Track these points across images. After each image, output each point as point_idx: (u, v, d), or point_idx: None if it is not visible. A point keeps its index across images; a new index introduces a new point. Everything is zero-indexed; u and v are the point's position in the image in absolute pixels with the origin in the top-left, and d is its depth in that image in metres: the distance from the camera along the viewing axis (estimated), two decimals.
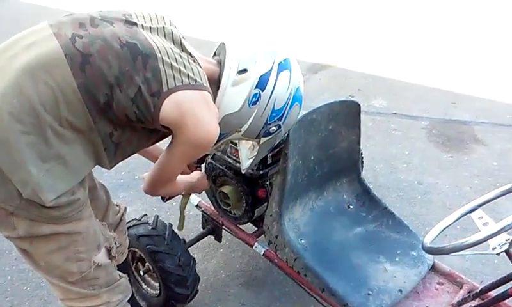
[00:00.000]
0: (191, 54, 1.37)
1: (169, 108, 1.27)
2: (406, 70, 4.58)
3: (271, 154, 1.85)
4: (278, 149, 1.87)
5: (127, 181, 2.97)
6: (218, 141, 1.48)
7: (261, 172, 1.85)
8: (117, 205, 1.75)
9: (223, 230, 2.12)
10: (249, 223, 2.07)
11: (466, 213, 1.54)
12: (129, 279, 1.63)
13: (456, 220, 1.53)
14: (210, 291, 2.22)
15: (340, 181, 2.04)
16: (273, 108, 1.49)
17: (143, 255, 1.95)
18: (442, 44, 5.17)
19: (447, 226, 1.51)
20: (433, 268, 1.84)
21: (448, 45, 5.13)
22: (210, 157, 1.99)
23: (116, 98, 1.24)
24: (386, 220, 1.97)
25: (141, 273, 2.03)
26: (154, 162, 1.57)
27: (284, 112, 1.52)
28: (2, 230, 1.30)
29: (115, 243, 1.51)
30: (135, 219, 1.97)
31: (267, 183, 1.93)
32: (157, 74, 1.25)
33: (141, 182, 2.92)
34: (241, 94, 1.45)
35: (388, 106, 3.96)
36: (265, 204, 1.96)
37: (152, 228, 1.88)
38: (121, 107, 1.25)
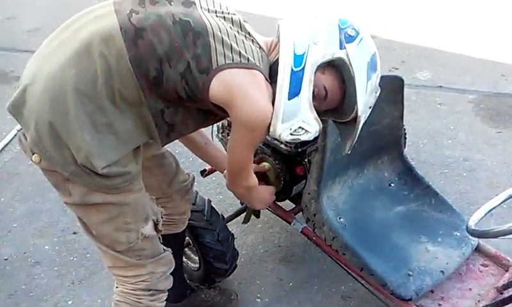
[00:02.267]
0: (249, 34, 1.35)
1: (218, 86, 1.27)
2: (452, 41, 4.37)
3: None
4: None
5: None
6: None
7: (299, 149, 1.83)
8: (186, 174, 1.78)
9: None
10: (287, 200, 2.06)
11: None
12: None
13: (502, 202, 1.46)
14: (248, 266, 2.25)
15: (382, 158, 2.00)
16: (340, 18, 1.41)
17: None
18: (489, 13, 4.88)
19: (493, 208, 1.45)
20: (477, 250, 1.79)
21: (495, 15, 4.85)
22: None
23: (165, 73, 1.26)
24: (429, 199, 1.92)
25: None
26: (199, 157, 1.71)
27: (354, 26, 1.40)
28: (61, 195, 1.40)
29: (162, 217, 1.55)
30: None
31: (306, 160, 1.91)
32: (206, 50, 1.26)
33: (182, 157, 2.98)
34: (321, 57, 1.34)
35: (433, 79, 3.81)
36: (304, 181, 1.94)
37: (192, 204, 1.90)
38: (171, 82, 1.27)
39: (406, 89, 1.89)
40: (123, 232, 1.41)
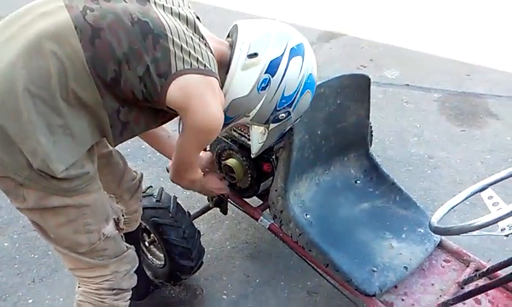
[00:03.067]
0: (202, 37, 1.33)
1: (176, 90, 1.25)
2: (419, 40, 4.46)
3: None
4: None
5: (133, 151, 2.95)
6: (226, 124, 1.46)
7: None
8: (134, 172, 1.75)
9: (229, 203, 2.11)
10: (254, 197, 2.06)
11: (476, 193, 1.50)
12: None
13: (464, 199, 1.49)
14: (215, 263, 2.23)
15: (348, 156, 2.01)
16: (283, 94, 1.44)
17: (147, 227, 1.95)
18: (457, 14, 5.01)
19: (455, 205, 1.47)
20: (440, 245, 1.82)
21: (463, 15, 4.98)
22: None
23: (124, 75, 1.22)
24: (393, 196, 1.94)
25: (147, 244, 2.04)
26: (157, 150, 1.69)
27: (294, 99, 1.47)
28: (13, 201, 1.32)
29: (123, 215, 1.52)
30: None
31: (273, 157, 1.90)
32: (166, 55, 1.23)
33: (148, 152, 2.93)
34: (250, 79, 1.40)
35: (400, 77, 3.88)
36: (271, 178, 1.94)
37: (157, 200, 1.87)
38: (129, 84, 1.24)
39: (373, 87, 1.91)
40: (83, 234, 1.36)
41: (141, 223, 1.98)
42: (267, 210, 1.95)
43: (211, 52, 1.33)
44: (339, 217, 1.86)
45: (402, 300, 1.66)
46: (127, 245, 1.53)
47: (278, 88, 1.43)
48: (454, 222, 1.73)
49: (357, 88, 1.85)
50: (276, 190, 1.78)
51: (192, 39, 1.29)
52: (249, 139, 1.83)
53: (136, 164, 2.86)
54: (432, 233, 1.79)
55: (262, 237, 2.39)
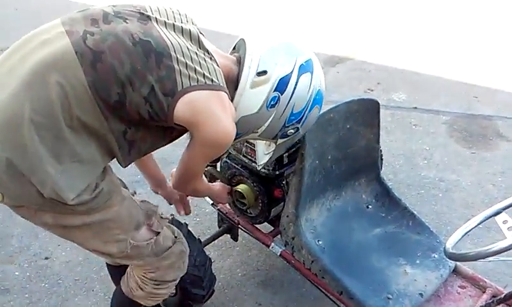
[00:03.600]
0: (208, 51, 1.33)
1: (184, 108, 1.25)
2: (426, 63, 4.47)
3: (287, 154, 1.81)
4: (294, 149, 1.83)
5: (143, 178, 2.95)
6: (235, 139, 1.44)
7: (277, 172, 1.82)
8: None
9: (239, 229, 2.10)
10: (265, 223, 2.04)
11: (490, 217, 1.48)
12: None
13: (478, 224, 1.47)
14: (226, 291, 2.21)
15: (359, 180, 2.00)
16: (292, 111, 1.44)
17: None
18: (463, 36, 5.04)
19: (469, 230, 1.46)
20: (455, 271, 1.79)
21: (469, 38, 5.00)
22: (225, 155, 1.96)
23: (128, 96, 1.22)
24: (406, 221, 1.93)
25: None
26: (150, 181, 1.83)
27: (303, 116, 1.48)
28: (34, 222, 1.34)
29: (161, 215, 1.55)
30: None
31: (284, 183, 1.90)
32: (171, 73, 1.23)
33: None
34: (260, 97, 1.40)
35: (408, 100, 3.88)
36: (282, 204, 1.93)
37: None
38: (134, 105, 1.23)
39: (381, 111, 1.91)
40: (113, 243, 1.39)
41: None
42: (278, 236, 1.94)
43: (218, 66, 1.33)
44: (351, 242, 1.84)
45: None
46: (174, 239, 1.56)
47: (287, 105, 1.42)
48: (468, 247, 1.71)
49: (366, 112, 1.85)
50: (287, 216, 1.77)
51: (197, 54, 1.29)
52: (259, 165, 1.83)
53: (146, 191, 2.84)
54: (448, 259, 1.78)
55: (273, 264, 2.36)
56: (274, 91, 1.40)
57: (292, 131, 1.50)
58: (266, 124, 1.46)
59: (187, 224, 1.94)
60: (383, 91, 3.98)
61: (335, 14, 5.61)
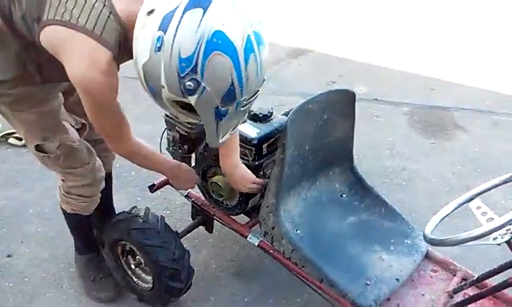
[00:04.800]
0: None
1: (44, 39, 1.32)
2: (384, 56, 4.59)
3: (266, 144, 1.82)
4: (272, 140, 1.85)
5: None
6: (154, 95, 1.28)
7: (256, 162, 1.82)
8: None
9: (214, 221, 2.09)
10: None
11: (464, 203, 1.56)
12: (120, 273, 1.85)
13: (453, 210, 1.55)
14: (201, 283, 2.19)
15: (333, 170, 2.03)
16: (179, 56, 1.16)
17: (134, 249, 1.90)
18: (420, 29, 5.20)
19: (445, 216, 1.53)
20: (426, 256, 1.86)
21: (426, 30, 5.17)
22: (201, 147, 1.94)
23: (14, 15, 1.38)
24: (378, 208, 1.98)
25: (132, 267, 1.98)
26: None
27: (197, 63, 1.16)
28: None
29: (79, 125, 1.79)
30: (124, 212, 1.91)
31: (261, 173, 1.90)
32: (42, 1, 1.30)
33: (123, 171, 2.85)
34: (147, 38, 1.19)
35: (369, 92, 3.97)
36: (259, 194, 1.93)
37: (144, 221, 1.82)
38: (18, 24, 1.39)
39: None
40: (27, 141, 1.74)
41: (125, 245, 1.94)
42: (255, 227, 1.95)
43: (109, 13, 1.27)
44: (328, 231, 1.88)
45: None
46: (88, 163, 1.80)
47: (172, 48, 1.16)
48: (435, 234, 1.78)
49: (343, 103, 1.88)
50: (267, 207, 1.78)
51: None
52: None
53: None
54: (419, 243, 1.85)
55: (247, 254, 2.36)
56: (158, 31, 1.17)
57: (192, 84, 1.18)
58: (162, 74, 1.20)
59: (163, 217, 1.91)
60: (344, 83, 4.04)
61: (296, 6, 5.65)
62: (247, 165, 1.82)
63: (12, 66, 1.49)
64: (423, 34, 5.09)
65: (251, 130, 1.82)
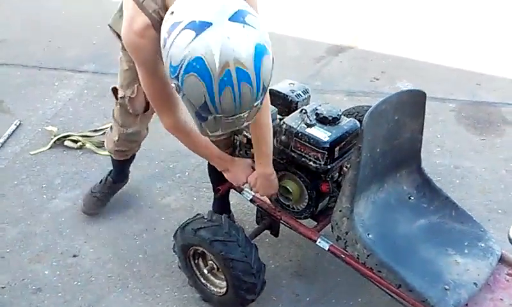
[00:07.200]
0: None
1: None
2: (427, 51, 4.50)
3: (338, 148, 1.81)
4: (344, 143, 1.84)
5: (161, 172, 2.89)
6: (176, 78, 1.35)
7: (329, 166, 1.81)
8: None
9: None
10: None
11: None
12: (188, 272, 1.95)
13: None
14: None
15: (400, 172, 2.01)
16: (170, 62, 1.31)
17: (213, 258, 1.91)
18: (462, 23, 5.09)
19: None
20: (501, 259, 1.83)
21: (468, 24, 5.05)
22: None
23: None
24: (448, 210, 1.95)
25: (205, 272, 2.00)
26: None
27: (178, 74, 1.29)
28: None
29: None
30: (202, 217, 1.91)
31: (329, 176, 1.90)
32: None
33: (176, 172, 2.88)
34: (163, 32, 1.35)
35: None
36: (327, 198, 1.93)
37: (226, 233, 1.81)
38: None
39: None
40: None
41: (197, 248, 1.94)
42: (323, 230, 1.95)
43: None
44: (399, 234, 1.86)
45: None
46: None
47: (168, 54, 1.31)
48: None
49: (413, 104, 1.87)
50: (340, 211, 1.77)
51: None
52: (309, 159, 1.82)
53: (165, 184, 2.81)
54: (494, 245, 1.82)
55: (304, 254, 2.37)
56: (166, 32, 1.33)
57: (173, 86, 1.35)
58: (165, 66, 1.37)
59: (243, 229, 1.91)
60: (388, 80, 4.00)
61: (335, 2, 5.58)
62: (317, 170, 1.81)
63: None
64: (465, 28, 4.97)
65: (322, 134, 1.82)
